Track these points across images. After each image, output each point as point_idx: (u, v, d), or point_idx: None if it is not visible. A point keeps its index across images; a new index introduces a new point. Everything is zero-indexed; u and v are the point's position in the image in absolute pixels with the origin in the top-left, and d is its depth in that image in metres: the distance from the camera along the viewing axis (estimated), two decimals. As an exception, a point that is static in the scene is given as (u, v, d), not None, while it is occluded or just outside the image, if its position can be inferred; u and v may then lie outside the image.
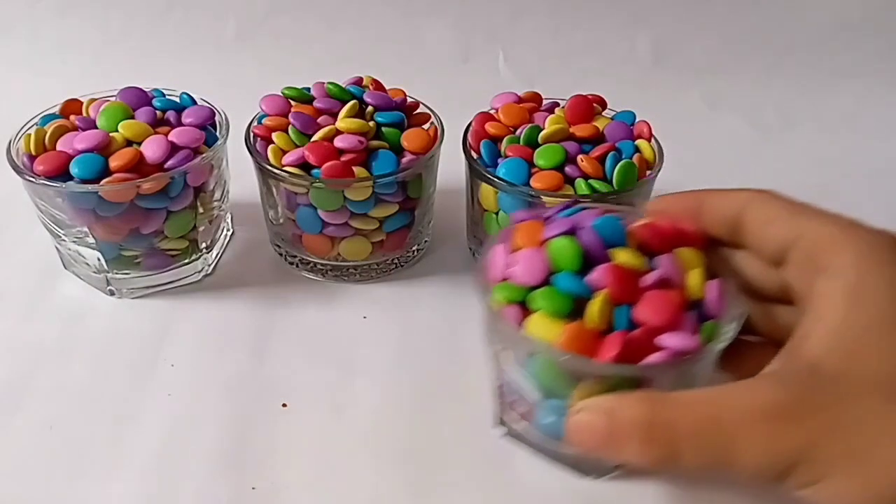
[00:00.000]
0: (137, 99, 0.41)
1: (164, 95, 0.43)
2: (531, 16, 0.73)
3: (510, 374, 0.31)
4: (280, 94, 0.42)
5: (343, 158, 0.38)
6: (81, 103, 0.42)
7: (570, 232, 0.30)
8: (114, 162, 0.37)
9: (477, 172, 0.40)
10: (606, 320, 0.27)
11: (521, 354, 0.29)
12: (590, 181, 0.38)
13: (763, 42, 0.72)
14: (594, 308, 0.27)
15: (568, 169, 0.38)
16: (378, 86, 0.44)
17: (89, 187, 0.36)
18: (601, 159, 0.38)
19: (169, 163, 0.38)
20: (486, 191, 0.41)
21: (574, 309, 0.28)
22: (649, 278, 0.28)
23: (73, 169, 0.36)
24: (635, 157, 0.39)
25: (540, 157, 0.39)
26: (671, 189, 0.50)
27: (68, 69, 0.67)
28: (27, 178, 0.37)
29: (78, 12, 0.72)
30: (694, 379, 0.29)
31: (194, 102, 0.42)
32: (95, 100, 0.42)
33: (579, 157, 0.38)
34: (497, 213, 0.41)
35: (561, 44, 0.72)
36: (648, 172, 0.40)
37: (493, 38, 0.73)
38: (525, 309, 0.28)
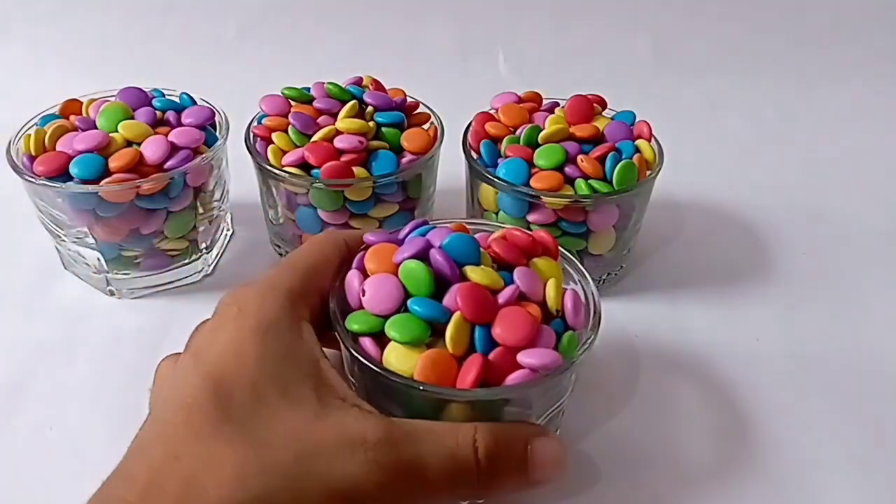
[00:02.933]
0: (137, 99, 0.41)
1: (164, 95, 0.43)
2: (531, 16, 0.73)
3: (378, 406, 0.28)
4: (280, 94, 0.42)
5: (343, 159, 0.38)
6: (81, 103, 0.42)
7: (422, 253, 0.28)
8: (113, 162, 0.36)
9: (477, 172, 0.40)
10: (464, 343, 0.26)
11: (384, 385, 0.27)
12: (590, 181, 0.38)
13: (763, 42, 0.72)
14: (450, 332, 0.26)
15: (568, 169, 0.38)
16: (378, 86, 0.44)
17: (89, 188, 0.36)
18: (601, 159, 0.38)
19: (169, 163, 0.38)
20: (486, 191, 0.41)
21: (434, 334, 0.27)
22: (505, 294, 0.27)
23: (73, 169, 0.36)
24: (635, 157, 0.39)
25: (540, 157, 0.39)
26: (672, 189, 0.51)
27: (68, 69, 0.67)
28: (27, 178, 0.37)
29: (78, 12, 0.72)
30: (564, 391, 0.29)
31: (194, 102, 0.42)
32: (95, 100, 0.42)
33: (579, 157, 0.38)
34: (497, 213, 0.41)
35: (561, 44, 0.72)
36: (648, 172, 0.40)
37: (493, 38, 0.73)
38: (383, 337, 0.27)
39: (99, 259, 0.41)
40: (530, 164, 0.39)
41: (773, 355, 0.39)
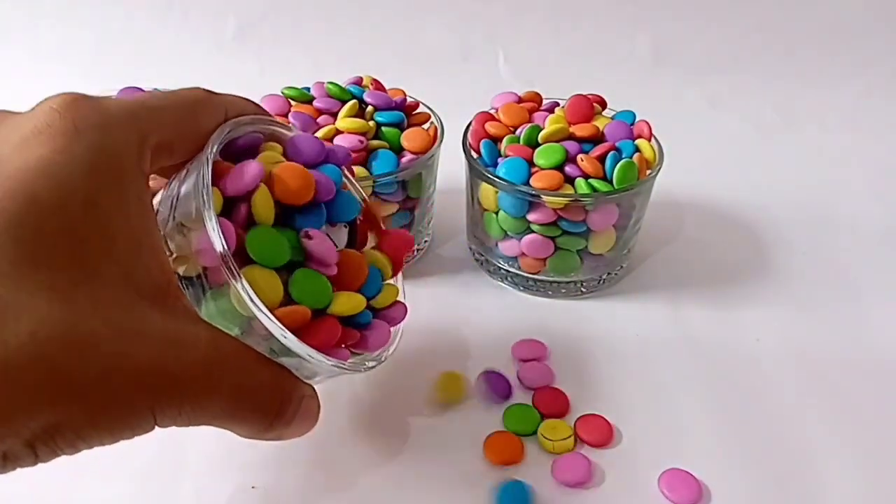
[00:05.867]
0: (137, 99, 0.41)
1: (163, 95, 0.43)
2: (531, 16, 0.73)
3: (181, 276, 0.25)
4: (280, 94, 0.42)
5: (343, 158, 0.38)
6: (81, 103, 0.42)
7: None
8: (114, 162, 0.36)
9: (477, 172, 0.40)
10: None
11: (213, 277, 0.24)
12: (590, 180, 0.38)
13: (763, 42, 0.72)
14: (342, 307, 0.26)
15: (568, 168, 0.38)
16: (378, 86, 0.44)
17: (89, 187, 0.36)
18: (601, 159, 0.38)
19: (169, 162, 0.38)
20: (486, 190, 0.41)
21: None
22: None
23: (73, 169, 0.36)
24: (635, 157, 0.39)
25: (540, 157, 0.39)
26: (672, 189, 0.51)
27: (68, 69, 0.67)
28: (27, 177, 0.37)
29: (78, 12, 0.72)
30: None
31: (194, 102, 0.42)
32: (95, 99, 0.42)
33: (579, 156, 0.38)
34: (497, 213, 0.41)
35: (561, 44, 0.72)
36: (648, 172, 0.40)
37: (493, 38, 0.73)
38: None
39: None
40: (530, 163, 0.39)
41: (773, 355, 0.39)
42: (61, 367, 0.18)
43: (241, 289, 0.23)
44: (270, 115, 0.29)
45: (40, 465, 0.33)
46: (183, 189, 0.25)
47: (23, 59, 0.69)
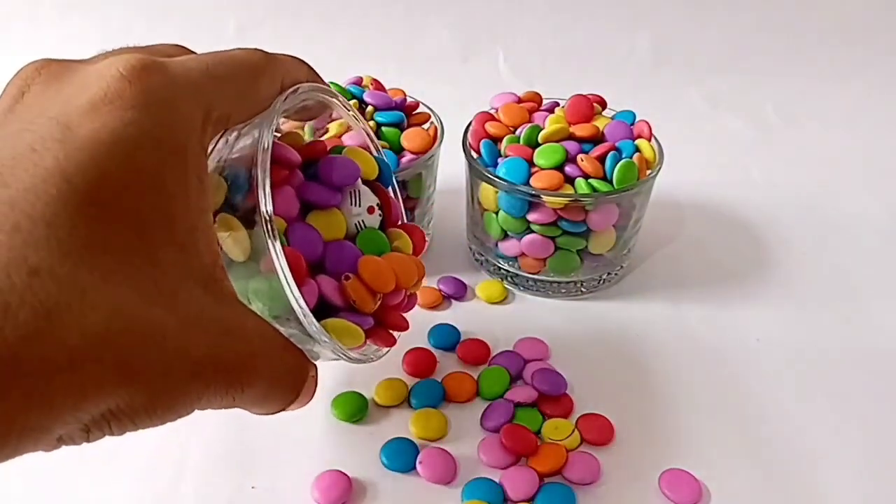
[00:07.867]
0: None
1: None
2: (531, 16, 0.73)
3: (225, 251, 0.25)
4: (280, 93, 0.42)
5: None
6: (81, 103, 0.42)
7: None
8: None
9: (477, 172, 0.40)
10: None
11: (266, 264, 0.24)
12: (590, 180, 0.38)
13: (763, 42, 0.72)
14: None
15: (568, 168, 0.38)
16: (378, 86, 0.44)
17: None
18: (601, 159, 0.38)
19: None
20: (486, 190, 0.41)
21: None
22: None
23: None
24: (635, 157, 0.39)
25: (540, 157, 0.39)
26: (672, 189, 0.51)
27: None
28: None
29: (78, 12, 0.72)
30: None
31: (194, 102, 0.42)
32: (95, 99, 0.42)
33: (579, 156, 0.38)
34: (497, 213, 0.41)
35: (561, 44, 0.72)
36: (648, 172, 0.40)
37: (493, 38, 0.73)
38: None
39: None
40: (530, 163, 0.39)
41: (773, 355, 0.39)
42: (131, 357, 0.18)
43: (276, 256, 0.23)
44: (323, 81, 0.29)
45: (39, 465, 0.33)
46: (234, 153, 0.25)
47: (23, 59, 0.69)
